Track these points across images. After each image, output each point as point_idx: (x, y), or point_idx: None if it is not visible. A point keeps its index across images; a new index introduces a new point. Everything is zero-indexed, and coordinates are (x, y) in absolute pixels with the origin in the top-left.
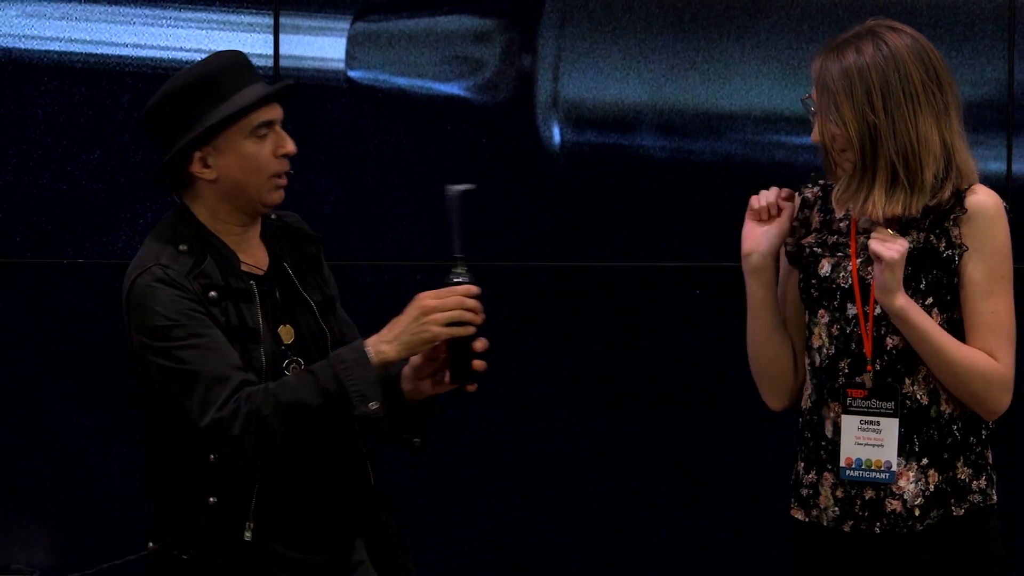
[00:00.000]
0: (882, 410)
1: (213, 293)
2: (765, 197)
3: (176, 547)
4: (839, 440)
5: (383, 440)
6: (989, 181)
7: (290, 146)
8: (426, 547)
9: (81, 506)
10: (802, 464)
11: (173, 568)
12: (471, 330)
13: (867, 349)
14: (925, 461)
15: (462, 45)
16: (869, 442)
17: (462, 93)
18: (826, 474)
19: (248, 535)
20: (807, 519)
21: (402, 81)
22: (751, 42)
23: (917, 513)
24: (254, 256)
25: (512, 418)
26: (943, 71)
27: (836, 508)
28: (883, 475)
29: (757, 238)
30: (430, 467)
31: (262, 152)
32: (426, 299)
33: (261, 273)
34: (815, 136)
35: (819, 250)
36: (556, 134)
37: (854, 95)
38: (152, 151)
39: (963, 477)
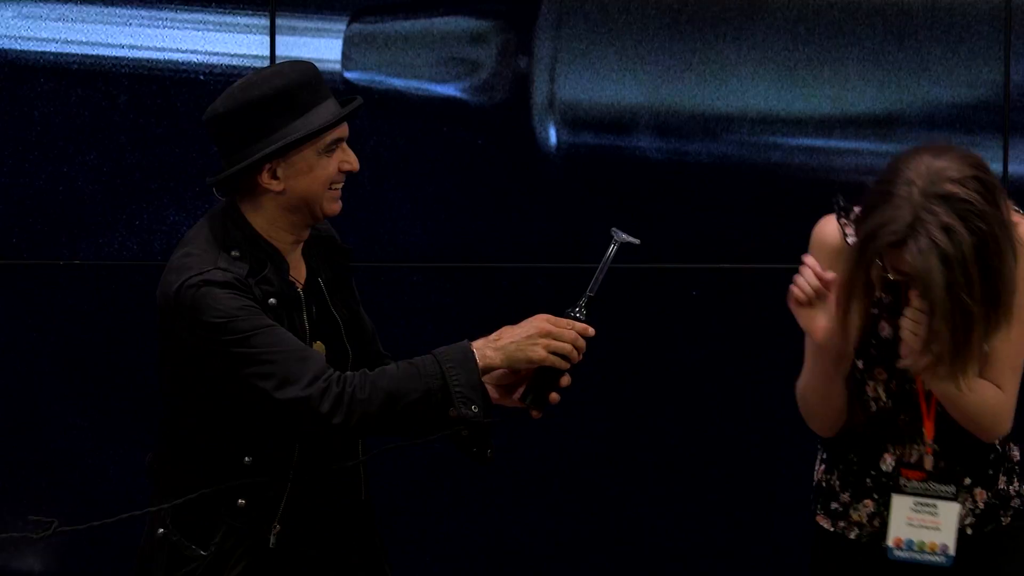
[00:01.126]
0: (941, 493)
1: (272, 300)
2: (806, 284)
3: (196, 543)
4: (895, 480)
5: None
6: None
7: (355, 163)
8: (420, 549)
9: (77, 507)
10: (837, 481)
11: (187, 561)
12: (566, 366)
13: (928, 431)
14: (968, 482)
15: (458, 46)
16: (923, 524)
17: (458, 94)
18: (867, 501)
19: (272, 540)
20: (833, 528)
21: (398, 82)
22: (747, 43)
23: (969, 532)
24: (296, 269)
25: (507, 419)
26: (995, 183)
27: (870, 531)
28: (939, 558)
29: (825, 325)
30: (423, 468)
31: (331, 167)
32: (545, 322)
33: (300, 287)
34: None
35: (875, 310)
36: (552, 135)
37: (960, 302)
38: (149, 154)
39: (1003, 487)
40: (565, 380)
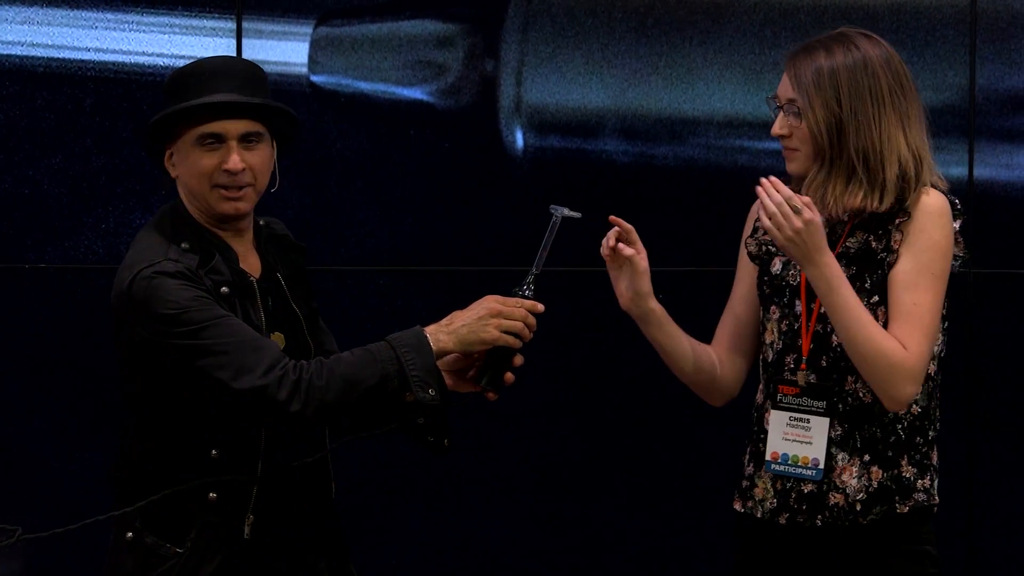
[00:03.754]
0: (813, 408)
1: (225, 289)
2: (603, 249)
3: (171, 541)
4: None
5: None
6: (951, 186)
7: (231, 163)
8: (385, 550)
9: (43, 510)
10: (746, 456)
11: (161, 560)
12: (519, 344)
13: (804, 347)
14: (867, 458)
15: (425, 50)
16: (797, 438)
17: (425, 98)
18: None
19: (247, 531)
20: (743, 510)
21: (365, 86)
22: (713, 47)
23: (859, 508)
24: (247, 261)
25: (479, 421)
26: (908, 81)
27: (773, 500)
28: (809, 471)
29: (622, 291)
30: (388, 469)
31: (203, 162)
32: (494, 302)
33: (255, 279)
34: (776, 129)
35: (773, 249)
36: (519, 139)
37: (822, 91)
38: (115, 157)
39: (908, 476)
40: (518, 359)
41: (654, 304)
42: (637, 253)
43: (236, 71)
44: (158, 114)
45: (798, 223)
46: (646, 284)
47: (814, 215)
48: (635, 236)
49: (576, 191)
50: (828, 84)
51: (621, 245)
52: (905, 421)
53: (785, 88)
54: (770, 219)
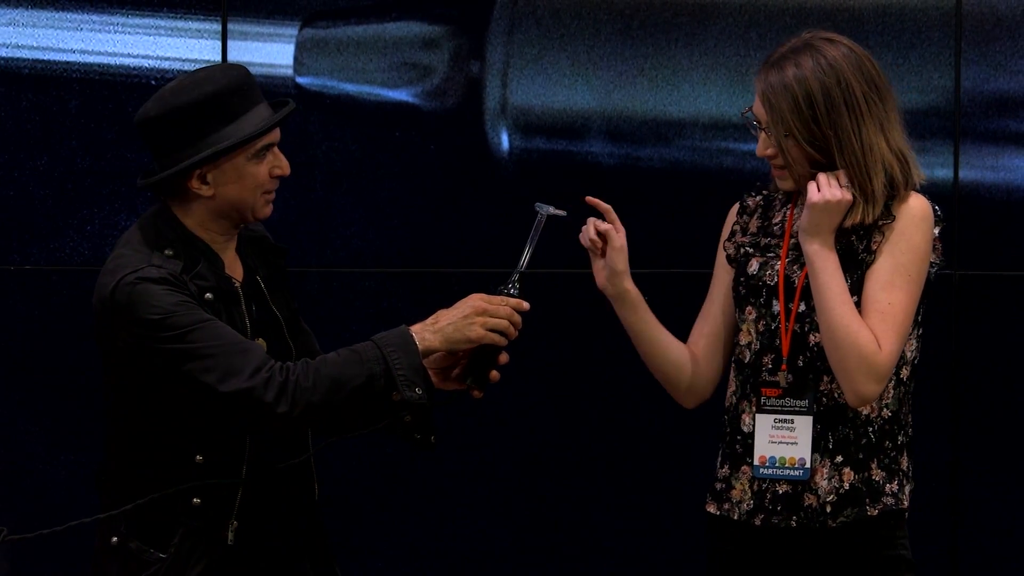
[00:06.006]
0: (796, 408)
1: (209, 295)
2: (583, 235)
3: (155, 546)
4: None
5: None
6: (936, 188)
7: (286, 168)
8: (370, 551)
9: (28, 513)
10: (719, 458)
11: (146, 566)
12: (504, 342)
13: (784, 347)
14: (839, 459)
15: (410, 51)
16: (783, 440)
17: (410, 99)
18: (744, 467)
19: (231, 537)
20: (719, 512)
21: (350, 87)
22: (699, 49)
23: (829, 510)
24: (232, 266)
25: (462, 420)
26: (881, 80)
27: (751, 502)
28: (797, 472)
29: (599, 271)
30: (374, 470)
31: (260, 172)
32: (480, 301)
33: (238, 283)
34: (761, 150)
35: (750, 250)
36: (504, 140)
37: (799, 113)
38: (100, 159)
39: (877, 479)
40: (503, 357)
41: (629, 285)
42: (616, 230)
43: (249, 79)
44: (231, 140)
45: (839, 192)
46: (622, 262)
47: (846, 204)
48: (614, 216)
49: (562, 193)
50: (804, 105)
51: (599, 222)
52: (876, 424)
53: (761, 110)
54: (820, 177)
